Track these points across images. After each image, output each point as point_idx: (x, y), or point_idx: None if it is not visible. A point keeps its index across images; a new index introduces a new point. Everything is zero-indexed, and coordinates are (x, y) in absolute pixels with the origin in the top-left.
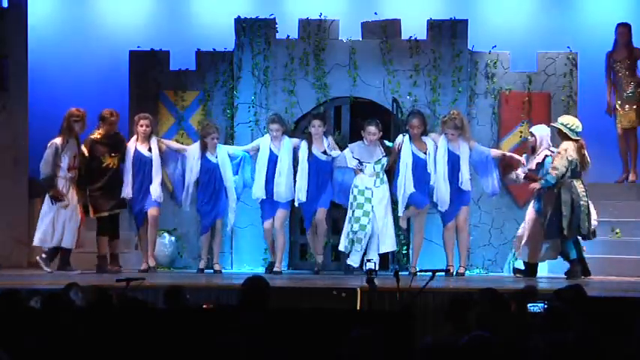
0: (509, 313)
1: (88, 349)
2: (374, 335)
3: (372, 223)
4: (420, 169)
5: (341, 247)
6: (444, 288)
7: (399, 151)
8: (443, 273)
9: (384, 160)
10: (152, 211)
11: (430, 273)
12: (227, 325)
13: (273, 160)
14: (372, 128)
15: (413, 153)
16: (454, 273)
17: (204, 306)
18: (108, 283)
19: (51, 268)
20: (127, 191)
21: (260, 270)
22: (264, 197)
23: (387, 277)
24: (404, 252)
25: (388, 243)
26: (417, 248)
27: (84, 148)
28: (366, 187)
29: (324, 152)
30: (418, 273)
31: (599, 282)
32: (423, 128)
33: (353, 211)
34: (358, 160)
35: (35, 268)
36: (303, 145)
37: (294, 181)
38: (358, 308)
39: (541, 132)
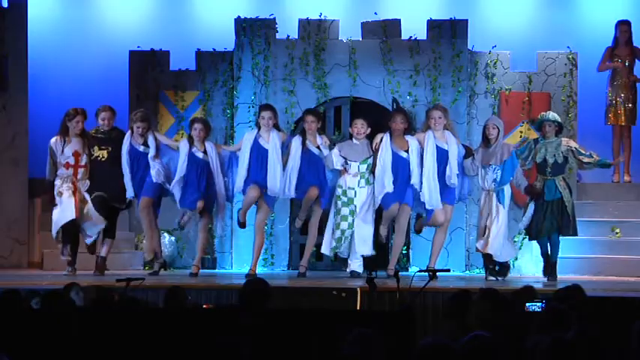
0: (510, 313)
1: (88, 350)
2: (374, 335)
3: (354, 223)
4: (400, 168)
5: (324, 250)
6: (444, 288)
7: (377, 149)
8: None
9: (370, 160)
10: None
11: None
12: (227, 325)
13: (260, 152)
14: (358, 121)
15: (393, 151)
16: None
17: (204, 306)
18: (108, 283)
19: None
20: (130, 192)
21: (260, 270)
22: (243, 189)
23: (387, 277)
24: (404, 252)
25: (366, 246)
26: (397, 249)
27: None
28: (349, 187)
29: (318, 147)
30: (418, 273)
31: (599, 282)
32: (406, 126)
33: (339, 210)
34: (344, 158)
35: (35, 268)
36: (296, 139)
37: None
38: (358, 308)
39: (500, 125)
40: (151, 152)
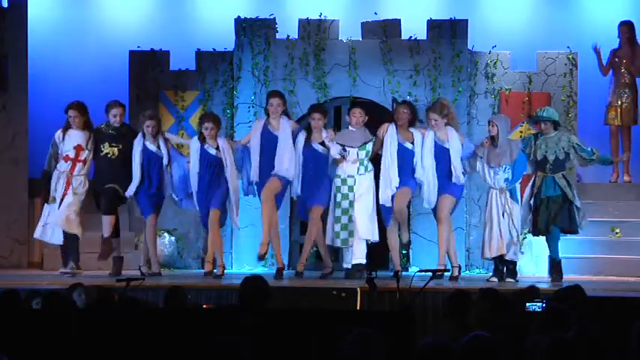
0: (510, 313)
1: (88, 350)
2: (374, 335)
3: (355, 211)
4: (405, 159)
5: (329, 241)
6: (444, 288)
7: (383, 139)
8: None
9: (369, 147)
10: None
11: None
12: (227, 325)
13: (270, 139)
14: (356, 110)
15: (398, 142)
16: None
17: (204, 306)
18: (108, 283)
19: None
20: (131, 190)
21: (260, 270)
22: (258, 180)
23: (387, 277)
24: (404, 252)
25: (367, 230)
26: (395, 247)
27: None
28: (349, 175)
29: (322, 143)
30: (418, 273)
31: (599, 282)
32: (411, 118)
33: (339, 203)
34: (342, 145)
35: (35, 268)
36: (301, 136)
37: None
38: (358, 308)
39: (501, 123)
40: (165, 159)
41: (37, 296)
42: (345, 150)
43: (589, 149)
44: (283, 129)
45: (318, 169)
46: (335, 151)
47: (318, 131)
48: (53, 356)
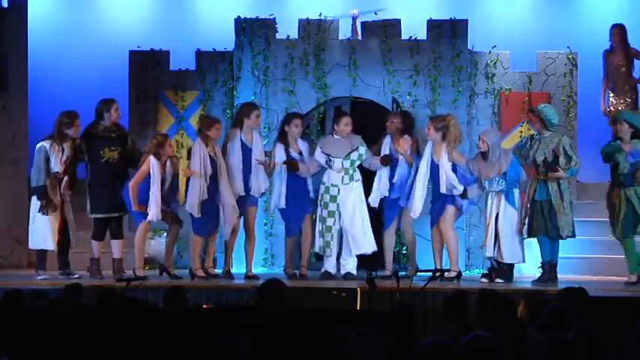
0: (510, 313)
1: (88, 350)
2: (374, 335)
3: (337, 223)
4: (393, 169)
5: (315, 248)
6: (444, 288)
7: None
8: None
9: (355, 156)
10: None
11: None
12: (227, 325)
13: (246, 153)
14: (347, 119)
15: (390, 152)
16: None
17: (204, 306)
18: (108, 283)
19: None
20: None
21: (260, 270)
22: (244, 194)
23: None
24: (404, 252)
25: (363, 244)
26: (410, 249)
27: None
28: (332, 184)
29: (300, 153)
30: (418, 273)
31: (599, 282)
32: (402, 127)
33: (321, 210)
34: (327, 155)
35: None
36: (279, 148)
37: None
38: (358, 308)
39: (492, 138)
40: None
41: (36, 295)
42: (330, 160)
43: (573, 157)
44: (257, 144)
45: (298, 181)
46: (320, 161)
47: (295, 141)
48: (53, 356)
